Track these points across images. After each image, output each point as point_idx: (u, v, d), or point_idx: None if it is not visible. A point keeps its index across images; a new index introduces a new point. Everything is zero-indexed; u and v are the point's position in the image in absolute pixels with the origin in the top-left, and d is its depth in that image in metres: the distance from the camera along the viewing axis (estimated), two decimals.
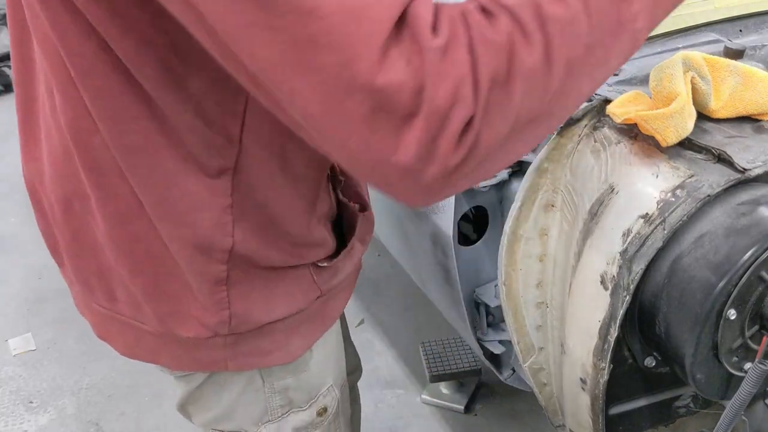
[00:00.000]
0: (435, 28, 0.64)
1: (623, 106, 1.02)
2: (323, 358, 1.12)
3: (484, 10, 0.66)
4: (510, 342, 1.32)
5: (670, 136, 0.96)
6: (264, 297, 0.98)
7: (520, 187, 1.13)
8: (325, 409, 1.14)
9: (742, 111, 1.01)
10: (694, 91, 0.99)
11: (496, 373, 1.54)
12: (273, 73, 0.67)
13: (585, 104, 1.09)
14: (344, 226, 1.09)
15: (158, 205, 0.88)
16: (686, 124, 0.96)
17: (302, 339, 1.06)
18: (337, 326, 1.16)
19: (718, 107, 1.00)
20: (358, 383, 1.50)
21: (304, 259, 1.00)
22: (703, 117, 1.02)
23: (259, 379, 1.06)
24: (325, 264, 1.03)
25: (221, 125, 0.84)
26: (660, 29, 1.23)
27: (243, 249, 0.92)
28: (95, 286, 1.01)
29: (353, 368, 1.48)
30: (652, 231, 0.93)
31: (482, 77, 0.64)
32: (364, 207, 1.10)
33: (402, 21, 0.64)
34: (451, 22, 0.65)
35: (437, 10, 0.65)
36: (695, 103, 1.00)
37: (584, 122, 1.09)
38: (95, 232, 0.95)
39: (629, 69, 1.16)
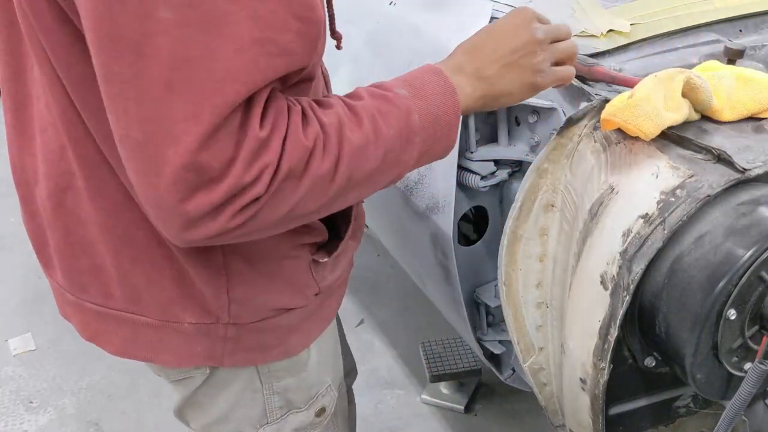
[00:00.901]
0: (263, 117, 0.76)
1: (607, 110, 1.02)
2: (321, 358, 1.12)
3: (304, 116, 0.80)
4: (510, 342, 1.32)
5: (644, 126, 0.95)
6: (264, 285, 0.99)
7: (520, 187, 1.13)
8: (323, 410, 1.14)
9: (744, 112, 1.01)
10: (694, 89, 0.98)
11: (496, 373, 1.54)
12: (117, 87, 0.74)
13: (585, 104, 1.10)
14: (337, 218, 1.09)
15: None
16: (660, 113, 0.95)
17: (302, 336, 1.07)
18: (333, 326, 1.17)
19: (721, 107, 1.00)
20: (359, 382, 1.50)
21: (300, 246, 1.00)
22: (706, 119, 1.02)
23: (258, 380, 1.06)
24: (325, 259, 1.03)
25: None
26: (660, 29, 1.24)
27: None
28: (88, 284, 1.01)
29: (348, 370, 1.48)
30: (652, 231, 0.93)
31: (282, 168, 0.77)
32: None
33: (240, 108, 0.74)
34: (277, 115, 0.77)
35: (270, 99, 0.77)
36: (697, 102, 1.00)
37: (584, 122, 1.09)
38: (88, 227, 0.95)
39: (630, 69, 1.16)
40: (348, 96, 0.87)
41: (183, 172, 0.73)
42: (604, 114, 0.99)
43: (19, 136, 0.99)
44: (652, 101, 0.95)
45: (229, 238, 0.80)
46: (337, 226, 1.08)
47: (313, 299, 1.06)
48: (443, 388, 2.26)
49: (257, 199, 0.77)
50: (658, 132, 0.96)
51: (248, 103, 0.75)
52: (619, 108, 0.96)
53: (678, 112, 0.97)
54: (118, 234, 0.93)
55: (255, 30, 0.72)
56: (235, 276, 0.96)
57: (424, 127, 0.88)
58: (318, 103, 0.83)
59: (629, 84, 1.07)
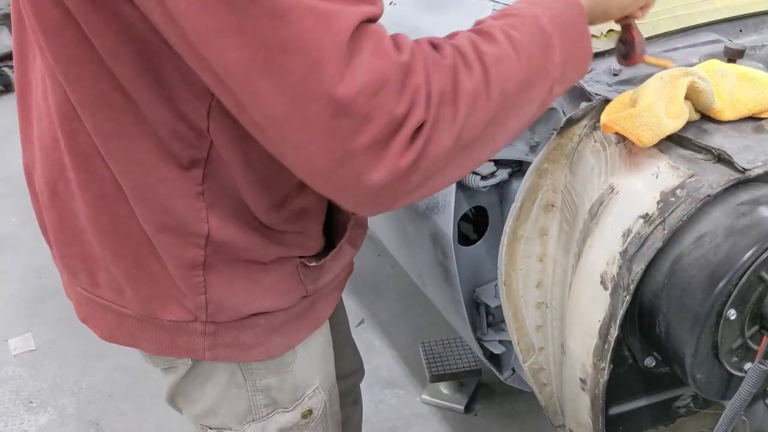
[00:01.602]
0: (397, 45, 0.73)
1: (609, 114, 1.02)
2: (308, 360, 1.11)
3: (431, 43, 0.77)
4: (510, 342, 1.32)
5: (643, 135, 0.95)
6: (246, 288, 0.99)
7: (520, 187, 1.13)
8: (310, 411, 1.14)
9: (745, 111, 1.01)
10: (697, 92, 0.98)
11: (496, 373, 1.54)
12: (239, 75, 0.71)
13: (585, 104, 1.10)
14: (335, 227, 1.10)
15: (135, 190, 0.90)
16: (661, 122, 0.95)
17: (284, 338, 1.07)
18: (325, 329, 1.16)
19: (722, 108, 1.00)
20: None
21: (286, 253, 1.01)
22: (707, 118, 1.02)
23: (241, 375, 1.07)
24: (313, 263, 1.04)
25: (191, 119, 0.86)
26: (660, 29, 1.24)
27: (220, 235, 0.93)
28: (78, 270, 1.03)
29: (353, 370, 1.47)
30: (652, 231, 0.93)
31: (434, 92, 0.74)
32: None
33: (366, 34, 0.71)
34: (408, 43, 0.74)
35: (394, 34, 0.75)
36: (699, 104, 1.00)
37: (584, 122, 1.09)
38: (79, 216, 0.97)
39: (629, 69, 1.16)
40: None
41: (335, 122, 0.70)
42: (604, 119, 0.99)
43: (22, 121, 1.02)
44: (654, 110, 0.95)
45: (410, 187, 0.76)
46: (333, 235, 1.09)
47: (300, 301, 1.06)
48: (443, 388, 2.26)
49: (420, 127, 0.74)
50: (657, 141, 0.96)
51: (371, 31, 0.72)
52: (621, 116, 0.96)
53: (679, 119, 0.97)
54: (102, 227, 0.95)
55: None
56: (214, 278, 0.97)
57: (556, 30, 0.85)
58: (435, 39, 0.80)
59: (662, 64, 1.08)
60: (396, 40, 0.75)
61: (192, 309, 0.98)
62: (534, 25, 0.84)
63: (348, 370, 1.46)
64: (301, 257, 1.03)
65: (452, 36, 0.81)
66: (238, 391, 1.08)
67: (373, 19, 0.74)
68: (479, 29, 0.82)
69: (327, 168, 0.74)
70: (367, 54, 0.71)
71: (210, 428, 1.12)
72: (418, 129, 0.73)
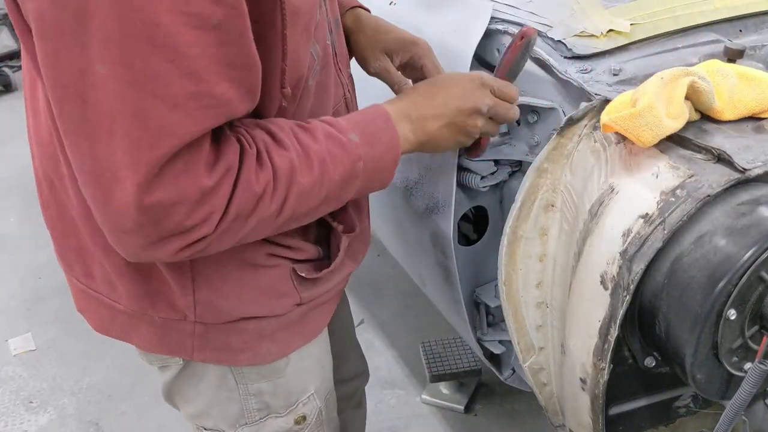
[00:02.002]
0: (215, 163, 0.81)
1: (609, 114, 1.02)
2: (302, 366, 1.11)
3: (259, 158, 0.85)
4: (510, 342, 1.32)
5: (644, 136, 0.95)
6: (235, 291, 1.00)
7: (520, 187, 1.13)
8: (304, 418, 1.14)
9: (745, 111, 1.01)
10: (697, 92, 0.98)
11: (496, 373, 1.54)
12: (69, 135, 0.79)
13: (585, 104, 1.10)
14: (331, 243, 1.10)
15: None
16: (661, 122, 0.95)
17: (276, 345, 1.06)
18: (323, 337, 1.16)
19: (722, 108, 1.00)
20: None
21: (275, 251, 1.01)
22: (706, 118, 1.02)
23: (232, 379, 1.07)
24: (312, 275, 1.04)
25: None
26: (660, 29, 1.23)
27: None
28: (74, 262, 1.05)
29: (357, 373, 1.47)
30: (652, 231, 0.93)
31: (231, 212, 0.83)
32: (350, 229, 1.10)
33: (188, 152, 0.77)
34: (229, 160, 0.81)
35: (224, 142, 0.82)
36: (699, 104, 1.00)
37: (584, 122, 1.09)
38: (73, 211, 0.98)
39: (629, 69, 1.16)
40: (304, 130, 0.92)
41: (128, 210, 0.78)
42: (604, 119, 0.99)
43: (27, 111, 1.03)
44: (654, 110, 0.95)
45: (180, 260, 0.88)
46: (326, 245, 1.09)
47: (293, 309, 1.05)
48: (443, 388, 2.26)
49: (204, 237, 0.83)
50: (657, 141, 0.96)
51: (190, 150, 0.78)
52: (621, 117, 0.96)
53: (679, 119, 0.97)
54: (93, 224, 0.96)
55: (189, 85, 0.75)
56: (202, 278, 0.98)
57: (366, 172, 0.96)
58: (274, 138, 0.88)
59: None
60: (219, 157, 0.81)
61: (181, 308, 0.99)
62: (351, 166, 0.93)
63: (351, 374, 1.46)
64: (294, 262, 1.03)
65: (284, 146, 0.88)
66: (230, 394, 1.08)
67: (209, 130, 0.80)
68: (307, 148, 0.89)
69: (109, 230, 0.83)
70: (179, 171, 0.78)
71: (205, 429, 1.12)
72: (203, 238, 0.83)
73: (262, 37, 0.81)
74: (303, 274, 1.04)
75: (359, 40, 1.20)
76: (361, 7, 1.25)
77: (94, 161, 0.77)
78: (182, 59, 0.73)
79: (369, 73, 1.20)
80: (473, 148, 1.18)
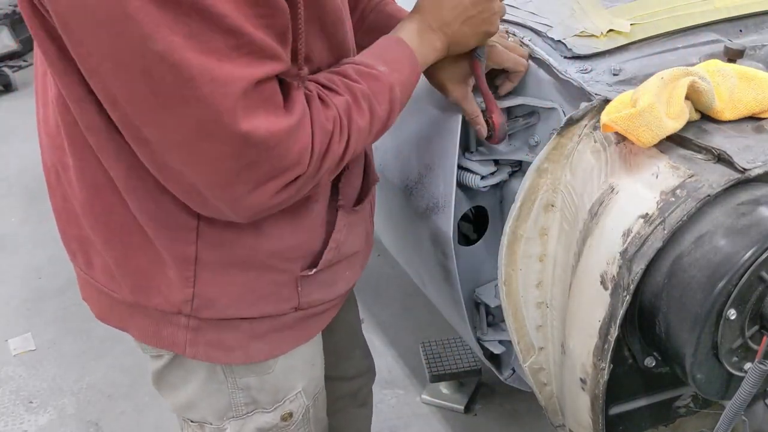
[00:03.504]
0: (291, 105, 0.85)
1: (609, 114, 1.02)
2: (290, 364, 1.12)
3: (322, 100, 0.90)
4: (510, 342, 1.32)
5: (643, 136, 0.96)
6: (237, 291, 1.01)
7: (520, 187, 1.13)
8: (290, 414, 1.14)
9: (745, 111, 1.01)
10: (697, 92, 0.98)
11: (496, 373, 1.54)
12: (147, 116, 0.80)
13: (585, 104, 1.10)
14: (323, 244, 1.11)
15: (123, 180, 0.92)
16: (661, 122, 0.95)
17: (267, 346, 1.07)
18: (317, 338, 1.16)
19: (723, 108, 1.00)
20: None
21: (285, 259, 1.02)
22: (707, 118, 1.02)
23: (221, 372, 1.08)
24: (309, 273, 1.04)
25: None
26: (660, 29, 1.23)
27: (210, 230, 0.95)
28: (77, 251, 1.07)
29: (361, 372, 1.47)
30: (652, 231, 0.93)
31: (316, 151, 0.88)
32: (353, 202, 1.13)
33: (262, 94, 0.80)
34: (300, 104, 0.86)
35: (289, 88, 0.86)
36: (699, 104, 1.00)
37: (584, 122, 1.09)
38: (76, 201, 0.99)
39: (629, 69, 1.16)
40: (338, 73, 0.96)
41: (224, 159, 0.82)
42: (604, 119, 0.99)
43: (38, 102, 1.03)
44: (655, 110, 0.95)
45: (275, 209, 0.91)
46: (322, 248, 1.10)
47: (290, 312, 1.06)
48: (443, 388, 2.26)
49: (298, 177, 0.87)
50: (657, 142, 0.96)
51: (263, 95, 0.81)
52: (621, 117, 0.96)
53: (679, 119, 0.97)
54: (95, 214, 0.97)
55: (230, 39, 0.77)
56: (206, 276, 0.98)
57: (402, 96, 1.02)
58: (324, 86, 0.93)
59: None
60: (290, 99, 0.85)
61: (177, 302, 1.00)
62: (390, 95, 0.99)
63: (354, 372, 1.46)
64: (301, 272, 1.04)
65: (334, 89, 0.93)
66: (219, 387, 1.09)
67: (273, 76, 0.83)
68: (352, 89, 0.95)
69: (210, 192, 0.86)
70: (261, 116, 0.81)
71: (192, 421, 1.13)
72: (296, 178, 0.87)
73: None
74: (305, 273, 1.04)
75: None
76: None
77: (177, 131, 0.80)
78: (220, 19, 0.76)
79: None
80: (491, 133, 1.22)
